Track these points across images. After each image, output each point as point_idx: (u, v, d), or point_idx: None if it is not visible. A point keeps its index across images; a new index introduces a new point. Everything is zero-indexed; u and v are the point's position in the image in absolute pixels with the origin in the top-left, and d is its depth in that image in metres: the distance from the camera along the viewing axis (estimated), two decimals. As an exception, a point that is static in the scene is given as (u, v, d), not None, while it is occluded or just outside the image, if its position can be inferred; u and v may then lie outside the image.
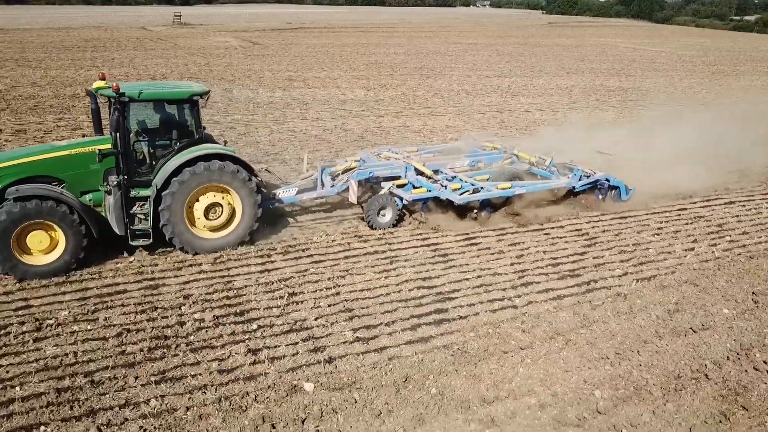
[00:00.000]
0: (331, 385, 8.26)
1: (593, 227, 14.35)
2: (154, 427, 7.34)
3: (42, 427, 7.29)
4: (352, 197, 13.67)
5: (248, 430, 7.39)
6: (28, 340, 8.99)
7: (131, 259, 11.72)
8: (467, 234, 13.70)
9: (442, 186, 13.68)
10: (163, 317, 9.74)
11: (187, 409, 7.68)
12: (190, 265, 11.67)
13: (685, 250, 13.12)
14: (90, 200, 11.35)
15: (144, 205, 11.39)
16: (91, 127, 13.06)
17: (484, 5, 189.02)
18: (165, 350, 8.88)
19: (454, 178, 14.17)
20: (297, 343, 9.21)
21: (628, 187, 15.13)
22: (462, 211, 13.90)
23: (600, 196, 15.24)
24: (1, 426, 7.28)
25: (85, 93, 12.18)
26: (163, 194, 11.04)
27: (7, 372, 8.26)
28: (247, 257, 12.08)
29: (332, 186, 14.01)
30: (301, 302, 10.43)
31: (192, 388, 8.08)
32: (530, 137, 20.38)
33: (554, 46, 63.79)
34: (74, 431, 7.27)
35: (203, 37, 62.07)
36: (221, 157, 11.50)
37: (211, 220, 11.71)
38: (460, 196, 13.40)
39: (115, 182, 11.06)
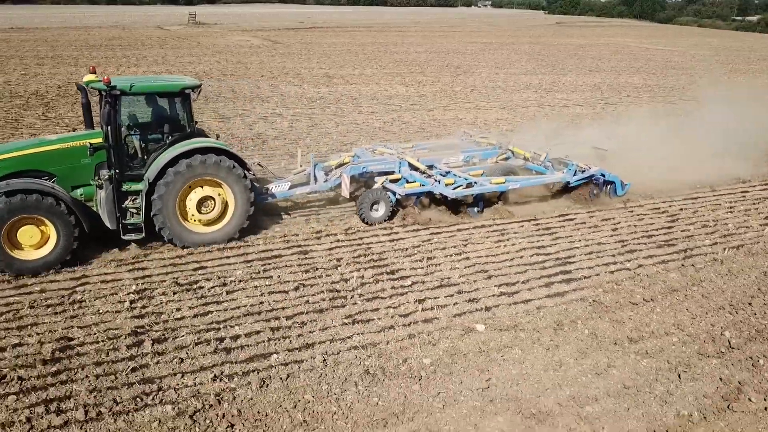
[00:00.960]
0: (497, 327, 9.73)
1: (670, 206, 15.83)
2: (366, 355, 8.78)
3: (273, 355, 8.70)
4: (345, 192, 13.87)
5: (445, 358, 8.82)
6: (222, 293, 10.41)
7: (277, 229, 13.08)
8: (564, 212, 15.07)
9: (436, 181, 13.84)
10: (327, 275, 11.17)
11: (387, 342, 9.11)
12: (327, 235, 13.08)
13: (761, 225, 14.63)
14: (81, 195, 11.38)
15: (136, 199, 11.42)
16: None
17: (485, 5, 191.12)
18: (343, 300, 10.31)
19: (448, 173, 14.31)
20: (452, 295, 10.65)
21: (624, 182, 15.36)
22: (456, 206, 14.23)
23: (595, 192, 15.42)
24: (238, 356, 8.70)
25: (76, 87, 12.19)
26: (152, 199, 11.18)
27: (219, 316, 9.68)
28: (373, 229, 13.50)
29: (325, 181, 14.14)
30: (439, 264, 11.86)
31: (382, 327, 9.53)
32: (608, 127, 21.40)
33: (567, 46, 65.43)
34: (301, 357, 8.65)
35: (222, 36, 63.38)
36: (214, 151, 11.60)
37: (203, 213, 11.79)
38: (453, 191, 13.59)
39: (107, 176, 11.08)
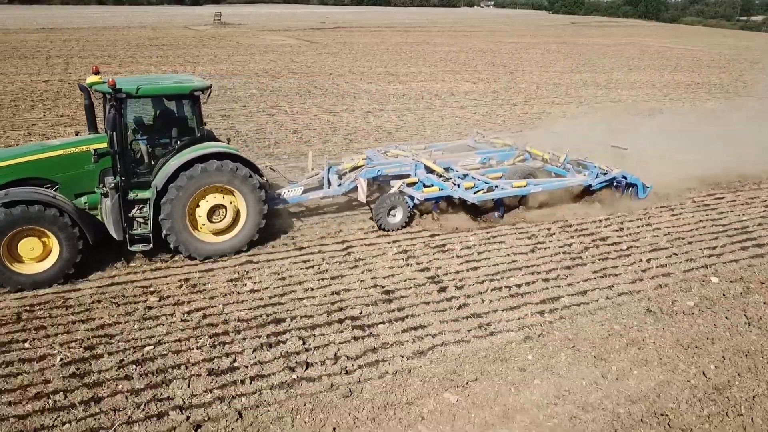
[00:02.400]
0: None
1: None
2: (639, 299, 10.73)
3: (562, 298, 10.64)
4: (362, 196, 13.50)
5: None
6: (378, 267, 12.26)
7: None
8: (667, 205, 15.83)
9: (455, 184, 13.51)
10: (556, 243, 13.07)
11: (648, 289, 11.08)
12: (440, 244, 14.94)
13: None
14: (85, 203, 11.00)
15: (143, 208, 11.04)
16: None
17: (488, 5, 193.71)
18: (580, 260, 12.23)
19: (466, 176, 14.00)
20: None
21: (646, 184, 15.11)
22: (475, 210, 13.97)
23: (617, 195, 15.20)
24: (532, 298, 10.64)
25: (78, 88, 11.71)
26: (161, 203, 10.80)
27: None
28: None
29: (339, 185, 13.83)
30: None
31: (634, 279, 11.47)
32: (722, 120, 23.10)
33: (593, 45, 67.65)
34: (584, 300, 10.59)
35: (254, 36, 65.06)
36: (227, 156, 11.25)
37: (214, 222, 11.45)
38: (474, 195, 13.24)
39: (112, 184, 10.63)
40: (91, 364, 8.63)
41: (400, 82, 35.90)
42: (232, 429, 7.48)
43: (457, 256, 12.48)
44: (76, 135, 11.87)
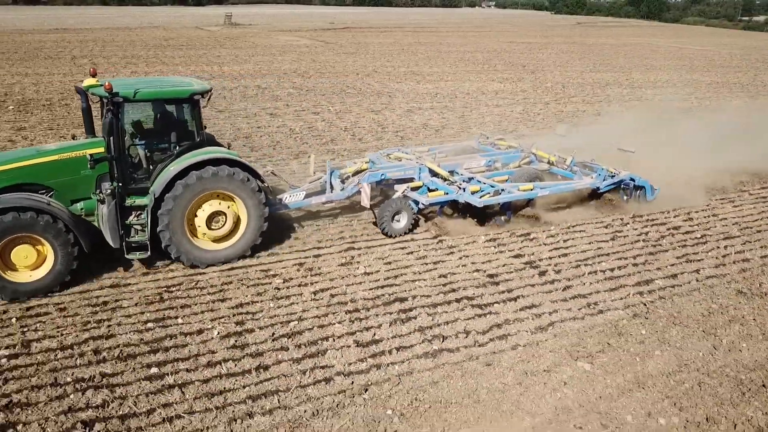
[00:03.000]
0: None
1: None
2: (726, 281, 11.64)
3: (656, 281, 11.55)
4: (365, 201, 13.27)
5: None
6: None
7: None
8: (726, 197, 16.78)
9: (460, 188, 13.36)
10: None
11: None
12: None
13: None
14: (82, 209, 10.76)
15: (141, 214, 10.85)
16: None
17: (489, 5, 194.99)
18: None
19: (471, 179, 13.92)
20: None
21: (654, 186, 15.13)
22: (481, 214, 13.89)
23: (625, 197, 15.26)
24: (627, 282, 11.54)
25: (75, 90, 11.39)
26: (159, 214, 10.68)
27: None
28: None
29: (342, 189, 13.68)
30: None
31: (717, 264, 12.39)
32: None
33: (603, 45, 68.70)
34: (677, 282, 11.50)
35: (267, 36, 65.80)
36: (226, 162, 11.09)
37: (214, 229, 11.30)
38: (480, 199, 13.07)
39: (109, 190, 10.45)
40: (246, 337, 9.45)
41: (428, 82, 36.76)
42: (396, 391, 8.30)
43: (544, 244, 13.35)
44: (74, 139, 11.58)
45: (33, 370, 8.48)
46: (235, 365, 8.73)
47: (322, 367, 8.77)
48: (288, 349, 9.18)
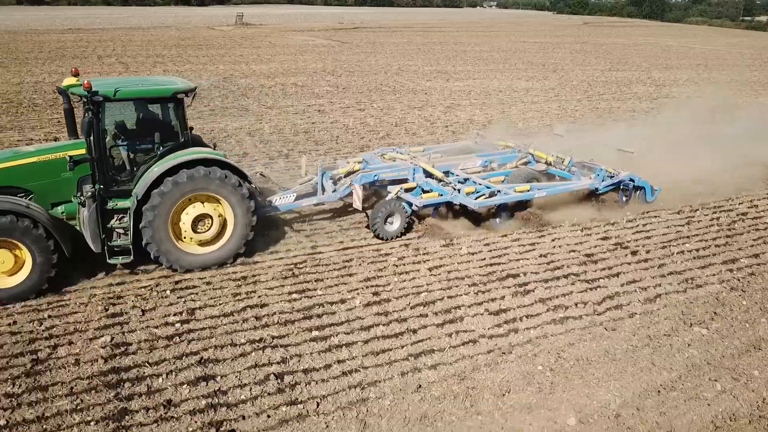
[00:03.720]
0: None
1: None
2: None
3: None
4: (357, 203, 13.15)
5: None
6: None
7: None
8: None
9: (455, 189, 13.22)
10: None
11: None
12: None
13: None
14: (63, 213, 10.58)
15: (123, 218, 10.61)
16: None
17: (491, 5, 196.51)
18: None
19: (466, 180, 13.79)
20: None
21: (654, 187, 15.09)
22: (476, 216, 13.78)
23: (624, 198, 15.14)
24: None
25: (57, 91, 11.18)
26: (143, 209, 10.40)
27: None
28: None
29: (334, 191, 13.47)
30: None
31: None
32: None
33: (615, 45, 69.92)
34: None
35: (281, 36, 66.74)
36: (214, 163, 10.88)
37: (199, 233, 11.07)
38: (475, 201, 12.99)
39: (90, 193, 10.21)
40: (386, 306, 10.44)
41: (456, 80, 37.82)
42: (539, 351, 9.32)
43: (626, 228, 14.35)
44: (55, 141, 11.16)
45: (208, 332, 9.41)
46: (386, 329, 9.70)
47: (465, 331, 9.73)
48: (427, 315, 10.15)
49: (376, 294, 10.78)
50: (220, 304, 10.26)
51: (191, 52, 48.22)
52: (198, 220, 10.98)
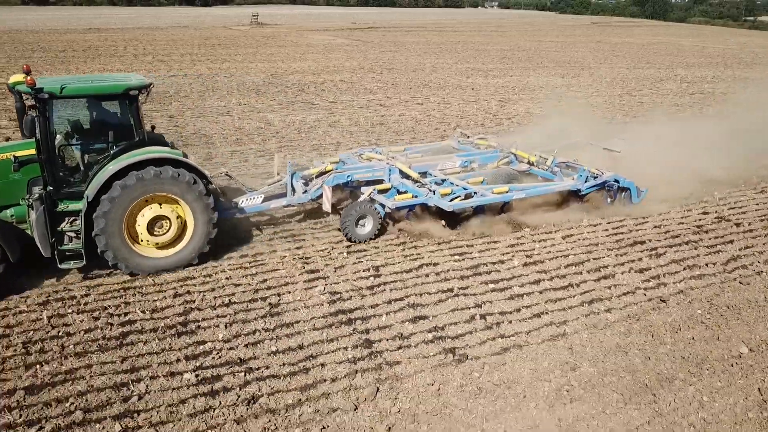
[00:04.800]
0: None
1: None
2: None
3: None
4: (326, 205, 12.85)
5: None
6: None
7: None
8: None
9: (430, 191, 12.93)
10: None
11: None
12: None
13: None
14: (12, 216, 10.25)
15: (75, 220, 10.27)
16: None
17: (492, 6, 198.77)
18: None
19: (444, 181, 13.52)
20: None
21: (640, 188, 14.68)
22: (454, 218, 13.50)
23: (609, 199, 14.82)
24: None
25: (8, 88, 10.86)
26: (94, 216, 10.04)
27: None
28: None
29: (305, 192, 13.09)
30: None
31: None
32: None
33: (629, 44, 71.58)
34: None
35: (301, 36, 68.26)
36: (169, 162, 10.49)
37: (156, 235, 10.71)
38: (450, 203, 12.68)
39: (37, 195, 9.93)
40: (542, 266, 12.03)
41: (493, 77, 39.49)
42: (708, 299, 10.89)
43: (719, 204, 16.04)
44: (7, 141, 10.92)
45: (400, 284, 11.06)
46: (551, 283, 11.32)
47: (621, 285, 11.38)
48: (582, 273, 11.79)
49: (528, 257, 12.33)
50: (398, 263, 11.83)
51: (222, 51, 49.74)
52: (154, 222, 10.64)
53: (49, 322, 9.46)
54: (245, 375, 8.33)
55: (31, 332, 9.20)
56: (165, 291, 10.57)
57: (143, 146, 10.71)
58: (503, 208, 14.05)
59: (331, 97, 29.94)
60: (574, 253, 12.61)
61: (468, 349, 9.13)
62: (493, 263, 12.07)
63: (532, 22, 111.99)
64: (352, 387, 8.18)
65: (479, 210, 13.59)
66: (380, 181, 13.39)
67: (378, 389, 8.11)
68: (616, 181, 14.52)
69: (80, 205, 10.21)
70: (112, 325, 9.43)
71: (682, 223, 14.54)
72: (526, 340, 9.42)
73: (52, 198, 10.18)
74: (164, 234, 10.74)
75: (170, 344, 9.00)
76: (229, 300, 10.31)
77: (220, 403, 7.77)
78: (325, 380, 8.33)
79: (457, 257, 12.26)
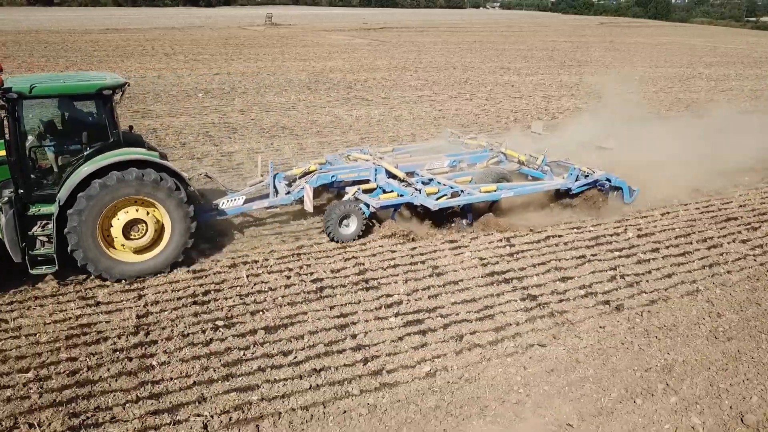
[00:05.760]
0: None
1: None
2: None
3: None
4: (308, 206, 12.78)
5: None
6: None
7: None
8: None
9: (416, 190, 12.93)
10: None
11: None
12: None
13: None
14: None
15: (47, 224, 10.03)
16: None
17: (494, 6, 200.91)
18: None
19: (431, 180, 13.48)
20: None
21: (632, 187, 14.59)
22: (441, 218, 13.44)
23: (600, 198, 14.66)
24: None
25: None
26: (68, 213, 9.81)
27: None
28: None
29: (288, 193, 13.01)
30: None
31: None
32: None
33: (642, 44, 72.62)
34: None
35: (319, 35, 69.57)
36: (145, 164, 10.31)
37: (133, 240, 10.50)
38: (435, 202, 12.61)
39: (6, 198, 9.75)
40: (652, 237, 13.54)
41: (526, 75, 41.02)
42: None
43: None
44: None
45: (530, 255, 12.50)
46: (668, 251, 12.82)
47: (728, 253, 12.90)
48: (692, 243, 13.32)
49: (639, 230, 13.86)
50: (525, 235, 13.39)
51: (249, 51, 50.86)
52: (131, 225, 10.46)
53: (247, 279, 10.84)
54: (441, 319, 9.77)
55: (238, 288, 10.63)
56: (333, 256, 12.07)
57: (119, 147, 10.55)
58: (491, 207, 13.99)
59: (382, 93, 31.44)
60: (678, 227, 14.13)
61: (621, 301, 10.59)
62: (610, 235, 13.52)
63: (541, 23, 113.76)
64: (535, 329, 9.65)
65: (468, 209, 13.53)
66: (366, 181, 13.52)
67: (559, 330, 9.59)
68: (608, 180, 14.50)
69: (53, 209, 10.01)
70: (305, 282, 10.86)
71: (765, 203, 16.02)
72: (666, 295, 10.91)
73: (23, 201, 10.02)
74: (140, 238, 10.56)
75: (363, 297, 10.44)
76: (394, 263, 11.73)
77: (433, 339, 9.21)
78: (510, 324, 9.79)
79: (576, 230, 13.68)
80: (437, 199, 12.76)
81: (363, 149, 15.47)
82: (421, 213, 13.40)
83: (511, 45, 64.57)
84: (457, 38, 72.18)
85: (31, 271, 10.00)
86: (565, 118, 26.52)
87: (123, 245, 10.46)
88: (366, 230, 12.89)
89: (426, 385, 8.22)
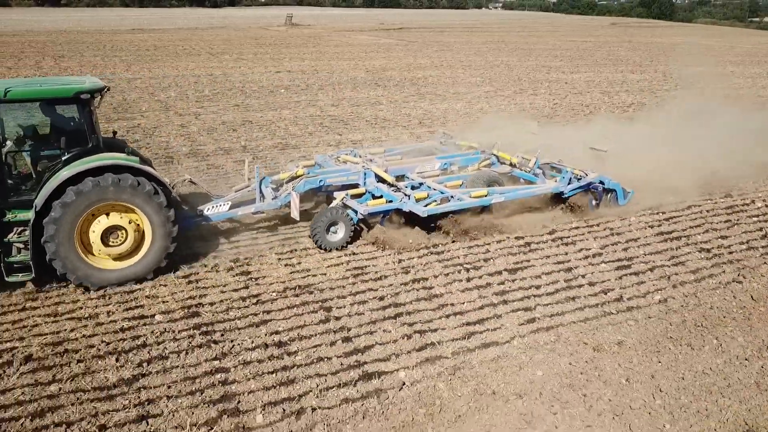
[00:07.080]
0: None
1: None
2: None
3: None
4: (294, 212, 12.60)
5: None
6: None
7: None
8: None
9: (405, 195, 12.83)
10: None
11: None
12: None
13: None
14: None
15: (23, 231, 10.02)
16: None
17: (496, 7, 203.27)
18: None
19: (421, 185, 13.41)
20: None
21: (626, 189, 14.53)
22: (431, 224, 13.13)
23: (594, 202, 14.56)
24: None
25: None
26: (44, 222, 9.73)
27: None
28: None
29: (274, 198, 12.91)
30: None
31: None
32: None
33: (659, 44, 68.68)
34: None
35: (343, 35, 70.17)
36: (123, 168, 10.24)
37: (111, 246, 10.42)
38: (425, 208, 12.47)
39: None
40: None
41: (570, 73, 41.52)
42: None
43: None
44: None
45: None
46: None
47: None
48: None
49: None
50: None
51: (285, 51, 51.81)
52: (110, 232, 10.41)
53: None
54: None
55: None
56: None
57: (98, 152, 10.54)
58: (483, 212, 13.77)
59: (450, 89, 32.92)
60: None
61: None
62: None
63: (553, 23, 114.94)
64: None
65: (458, 214, 13.30)
66: (355, 186, 13.46)
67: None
68: (602, 182, 14.44)
69: (29, 215, 9.98)
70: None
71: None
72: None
73: None
74: (120, 245, 10.49)
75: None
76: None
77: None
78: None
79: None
80: (426, 205, 12.72)
81: (353, 150, 15.44)
82: (411, 217, 13.18)
83: (534, 45, 64.46)
84: (480, 38, 72.40)
85: (6, 279, 10.01)
86: (636, 110, 28.01)
87: (100, 251, 10.41)
88: (354, 236, 12.79)
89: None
